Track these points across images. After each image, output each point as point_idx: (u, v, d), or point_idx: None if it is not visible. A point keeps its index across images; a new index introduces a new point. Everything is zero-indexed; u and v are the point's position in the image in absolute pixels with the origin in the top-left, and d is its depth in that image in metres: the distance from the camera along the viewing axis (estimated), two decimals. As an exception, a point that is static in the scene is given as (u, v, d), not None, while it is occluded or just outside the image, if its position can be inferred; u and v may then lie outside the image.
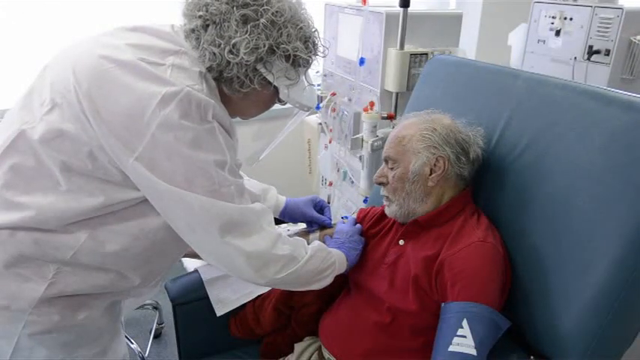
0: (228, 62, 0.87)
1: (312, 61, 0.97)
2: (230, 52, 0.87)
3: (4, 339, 0.89)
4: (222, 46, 0.87)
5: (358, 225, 1.24)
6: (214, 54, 0.87)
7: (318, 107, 2.23)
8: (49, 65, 0.92)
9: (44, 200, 0.85)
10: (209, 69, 0.89)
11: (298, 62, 0.93)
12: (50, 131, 0.84)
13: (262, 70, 0.90)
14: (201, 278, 1.28)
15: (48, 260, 0.88)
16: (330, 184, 2.30)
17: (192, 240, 0.91)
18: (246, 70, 0.89)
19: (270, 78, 0.91)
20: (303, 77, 0.98)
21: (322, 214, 1.32)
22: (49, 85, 0.88)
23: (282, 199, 1.31)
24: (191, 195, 0.84)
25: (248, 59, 0.87)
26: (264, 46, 0.88)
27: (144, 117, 0.80)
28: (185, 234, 0.91)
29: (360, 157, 1.87)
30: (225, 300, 1.25)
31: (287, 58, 0.91)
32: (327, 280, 1.08)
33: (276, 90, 0.95)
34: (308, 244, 1.19)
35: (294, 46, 0.90)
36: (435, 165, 1.09)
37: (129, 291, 1.02)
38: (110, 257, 0.91)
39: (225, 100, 0.94)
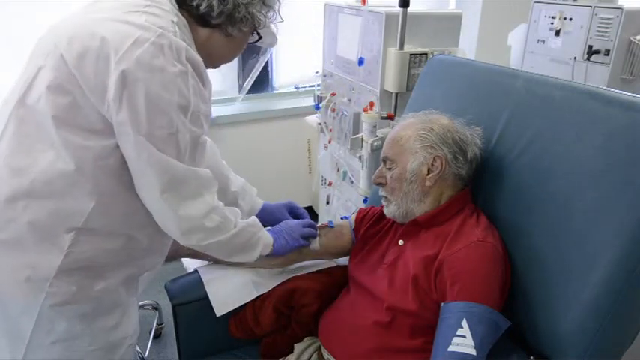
0: (237, 5, 0.96)
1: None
2: None
3: (25, 314, 0.93)
4: None
5: (310, 230, 1.24)
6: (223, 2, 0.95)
7: (318, 107, 2.23)
8: (34, 47, 0.97)
9: (44, 160, 0.89)
10: (219, 14, 0.96)
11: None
12: (39, 91, 0.88)
13: (257, 9, 1.00)
14: (201, 278, 1.28)
15: (63, 229, 0.91)
16: (330, 184, 2.30)
17: (138, 188, 0.94)
18: (250, 10, 0.98)
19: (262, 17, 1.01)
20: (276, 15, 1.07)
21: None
22: (35, 58, 0.92)
23: (259, 202, 1.37)
24: (144, 142, 0.86)
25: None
26: None
27: (116, 56, 0.83)
28: (135, 181, 0.93)
29: (360, 157, 1.87)
30: (224, 300, 1.25)
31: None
32: (252, 256, 1.13)
33: (251, 32, 1.04)
34: (311, 248, 1.23)
35: None
36: (432, 165, 1.09)
37: (143, 261, 1.06)
38: (119, 220, 0.96)
39: (200, 48, 0.98)
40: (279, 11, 1.07)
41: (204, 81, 0.94)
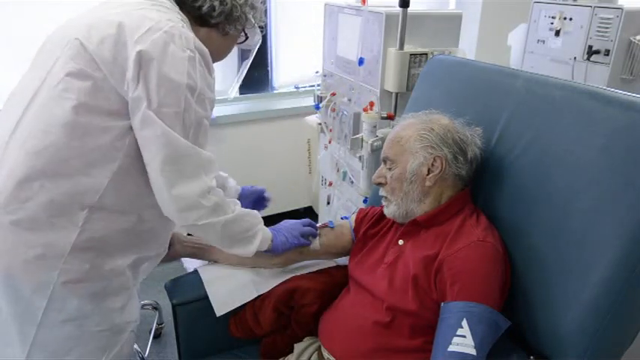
0: (234, 5, 1.06)
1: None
2: None
3: (38, 292, 0.95)
4: None
5: (310, 229, 1.25)
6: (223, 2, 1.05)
7: (318, 107, 2.23)
8: (45, 44, 1.02)
9: (60, 141, 0.92)
10: (219, 14, 1.05)
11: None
12: (58, 79, 0.93)
13: (247, 10, 1.09)
14: (201, 278, 1.28)
15: (78, 207, 0.94)
16: (330, 184, 2.30)
17: (145, 161, 0.97)
18: (244, 9, 1.08)
19: (253, 18, 1.12)
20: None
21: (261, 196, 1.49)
22: (48, 52, 0.98)
23: (238, 188, 1.45)
24: (153, 117, 0.92)
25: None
26: None
27: (132, 39, 0.91)
28: (143, 155, 0.97)
29: (360, 157, 1.87)
30: (225, 300, 1.25)
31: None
32: (250, 248, 1.12)
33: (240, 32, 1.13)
34: (311, 248, 1.24)
35: None
36: (432, 165, 1.09)
37: (149, 245, 1.08)
38: (130, 199, 1.00)
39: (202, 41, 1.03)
40: (262, 13, 1.16)
41: (210, 69, 1.00)
